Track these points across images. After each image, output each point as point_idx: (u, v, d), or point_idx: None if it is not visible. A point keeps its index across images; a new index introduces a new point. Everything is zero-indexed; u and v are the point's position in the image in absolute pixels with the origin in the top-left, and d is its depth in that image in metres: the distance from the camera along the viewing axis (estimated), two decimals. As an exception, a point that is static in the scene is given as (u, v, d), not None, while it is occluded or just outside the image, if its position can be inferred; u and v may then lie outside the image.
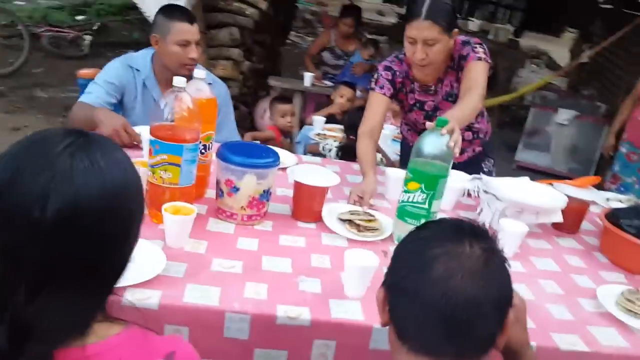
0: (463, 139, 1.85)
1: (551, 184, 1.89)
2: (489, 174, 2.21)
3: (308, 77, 4.55)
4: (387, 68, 2.06)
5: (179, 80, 1.37)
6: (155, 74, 2.22)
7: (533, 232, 1.76)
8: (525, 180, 1.86)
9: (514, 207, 1.71)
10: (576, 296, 1.43)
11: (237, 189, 1.43)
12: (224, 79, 2.72)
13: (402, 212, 1.51)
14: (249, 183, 1.42)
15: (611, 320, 1.33)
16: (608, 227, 1.64)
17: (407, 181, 1.49)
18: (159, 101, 1.51)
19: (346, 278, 1.25)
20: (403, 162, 2.42)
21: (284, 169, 1.92)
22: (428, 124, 1.50)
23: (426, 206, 1.47)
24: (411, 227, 1.36)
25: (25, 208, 0.64)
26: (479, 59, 1.93)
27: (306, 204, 1.57)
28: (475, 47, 1.96)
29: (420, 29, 1.82)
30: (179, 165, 1.34)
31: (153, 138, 1.34)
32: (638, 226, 1.59)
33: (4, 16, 6.95)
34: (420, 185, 1.46)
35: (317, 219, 1.57)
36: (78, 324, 0.70)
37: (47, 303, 0.66)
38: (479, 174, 1.92)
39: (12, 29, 6.66)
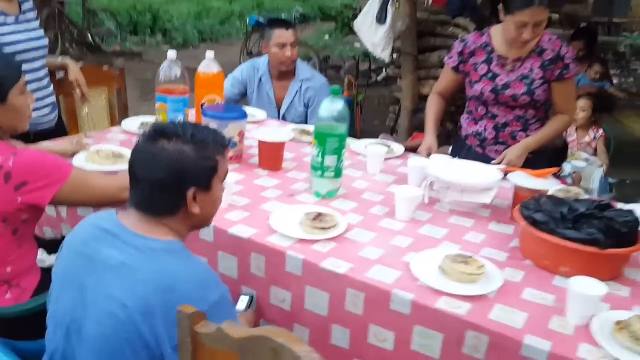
0: (515, 139, 2.23)
1: (510, 172, 1.86)
2: None
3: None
4: (462, 40, 2.31)
5: (171, 54, 2.07)
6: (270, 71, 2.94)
7: (461, 210, 1.81)
8: (474, 163, 1.90)
9: (439, 183, 1.81)
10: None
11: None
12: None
13: (311, 168, 1.85)
14: (211, 130, 2.01)
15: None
16: (515, 215, 1.59)
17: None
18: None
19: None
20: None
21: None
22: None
23: (320, 159, 1.79)
24: (317, 180, 1.76)
25: None
26: (572, 76, 2.16)
27: (265, 156, 2.05)
28: (573, 61, 2.14)
29: (535, 14, 2.00)
30: (166, 112, 2.04)
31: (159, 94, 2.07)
32: (539, 217, 1.50)
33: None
34: (315, 142, 1.80)
35: (276, 169, 2.04)
36: None
37: None
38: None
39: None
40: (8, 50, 2.03)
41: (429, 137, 2.27)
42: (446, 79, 2.37)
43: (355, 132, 4.86)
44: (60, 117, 2.42)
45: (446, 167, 1.86)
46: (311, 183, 1.87)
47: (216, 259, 1.64)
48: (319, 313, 1.49)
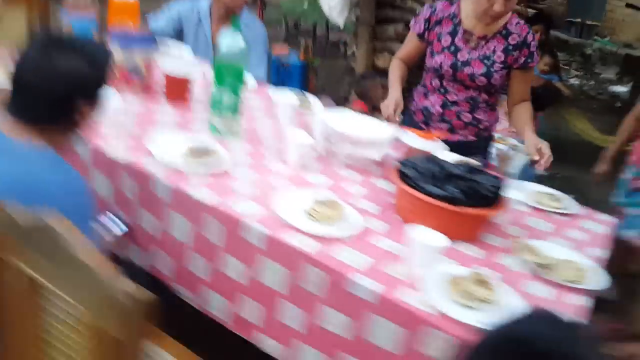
0: (460, 118, 2.18)
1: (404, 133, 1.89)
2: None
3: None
4: (430, 6, 2.22)
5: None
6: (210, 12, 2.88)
7: (355, 165, 1.83)
8: (368, 119, 1.93)
9: (335, 135, 1.83)
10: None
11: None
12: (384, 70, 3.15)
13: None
14: (117, 56, 1.98)
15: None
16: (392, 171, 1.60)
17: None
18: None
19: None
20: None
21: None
22: None
23: (217, 94, 1.79)
24: (214, 116, 1.75)
25: None
26: (535, 65, 2.14)
27: (170, 88, 2.03)
28: (535, 50, 2.10)
29: None
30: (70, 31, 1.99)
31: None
32: (409, 172, 1.53)
33: None
34: (215, 77, 1.79)
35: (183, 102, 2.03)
36: None
37: None
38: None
39: None
40: None
41: (395, 92, 2.14)
42: (409, 45, 2.29)
43: (309, 89, 4.86)
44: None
45: (343, 120, 1.87)
46: (209, 118, 1.86)
47: (92, 178, 1.62)
48: (181, 240, 1.50)
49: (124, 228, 1.57)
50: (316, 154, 1.84)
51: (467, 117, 2.19)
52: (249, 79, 2.38)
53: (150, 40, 2.05)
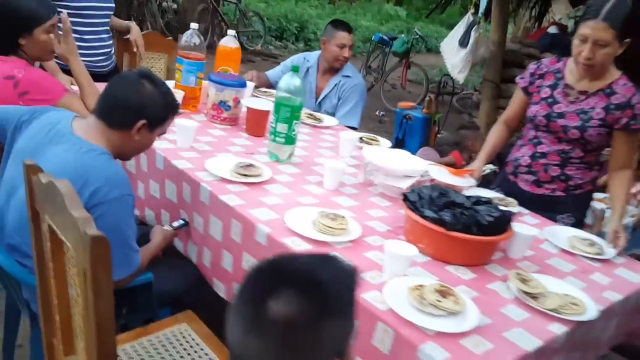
0: (547, 172, 2.20)
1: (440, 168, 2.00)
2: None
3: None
4: (537, 62, 2.27)
5: (193, 25, 2.49)
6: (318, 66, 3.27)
7: (387, 194, 1.99)
8: (402, 152, 2.09)
9: (371, 165, 2.02)
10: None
11: (208, 96, 2.44)
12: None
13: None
14: (210, 91, 2.41)
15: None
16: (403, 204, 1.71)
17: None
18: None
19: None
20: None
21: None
22: None
23: (274, 125, 2.10)
24: (271, 143, 2.08)
25: None
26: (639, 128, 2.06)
27: (249, 121, 2.40)
28: None
29: (595, 30, 1.91)
30: (181, 71, 2.48)
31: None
32: (411, 197, 1.66)
33: None
34: (273, 110, 2.11)
35: (258, 134, 2.38)
36: None
37: None
38: (551, 219, 2.08)
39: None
40: (74, 6, 2.62)
41: (477, 162, 2.23)
42: (514, 103, 2.32)
43: (430, 144, 5.02)
44: (117, 67, 3.00)
45: (381, 153, 2.06)
46: (268, 145, 2.18)
47: (164, 185, 2.02)
48: (216, 238, 1.79)
49: (182, 222, 1.92)
50: (355, 181, 2.05)
51: (555, 170, 2.18)
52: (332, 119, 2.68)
53: (240, 82, 2.45)
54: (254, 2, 12.81)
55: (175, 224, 1.93)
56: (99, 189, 1.51)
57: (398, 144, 5.22)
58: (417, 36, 7.51)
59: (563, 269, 1.71)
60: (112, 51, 2.93)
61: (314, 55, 3.32)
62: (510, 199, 2.11)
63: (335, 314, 0.86)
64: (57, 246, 1.29)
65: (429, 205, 1.61)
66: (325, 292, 0.85)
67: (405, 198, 1.67)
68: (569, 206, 2.21)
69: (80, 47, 2.67)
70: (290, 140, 2.12)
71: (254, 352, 0.83)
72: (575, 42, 1.99)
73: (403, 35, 7.94)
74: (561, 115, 2.11)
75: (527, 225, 1.76)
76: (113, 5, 2.86)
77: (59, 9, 2.58)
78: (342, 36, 3.11)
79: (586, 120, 2.07)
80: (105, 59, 2.86)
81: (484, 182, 3.16)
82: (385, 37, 8.09)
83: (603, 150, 2.20)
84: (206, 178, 1.86)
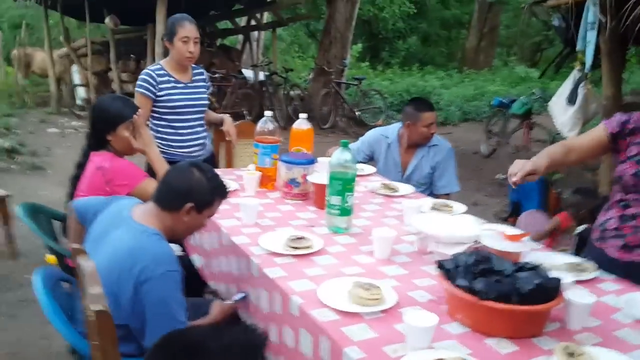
0: (637, 234, 1.99)
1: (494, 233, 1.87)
2: None
3: None
4: (627, 114, 2.09)
5: (267, 113, 2.68)
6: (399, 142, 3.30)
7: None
8: (462, 217, 1.98)
9: (423, 233, 1.97)
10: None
11: (279, 175, 2.58)
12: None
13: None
14: (281, 170, 2.54)
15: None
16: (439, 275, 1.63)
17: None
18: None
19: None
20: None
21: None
22: None
23: (329, 197, 2.15)
24: (326, 215, 2.15)
25: None
26: None
27: (316, 194, 2.47)
28: None
29: None
30: (257, 154, 2.66)
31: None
32: (447, 264, 1.58)
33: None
34: (328, 183, 2.16)
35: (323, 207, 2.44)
36: None
37: None
38: None
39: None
40: (171, 105, 2.97)
41: (537, 158, 1.98)
42: (588, 137, 2.12)
43: (549, 207, 4.68)
44: (213, 155, 3.29)
45: (435, 219, 2.00)
46: (325, 218, 2.22)
47: (229, 260, 2.14)
48: (262, 309, 1.85)
49: (243, 295, 2.01)
50: (411, 250, 2.01)
51: None
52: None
53: (310, 160, 2.56)
54: (377, 81, 13.30)
55: (236, 297, 2.03)
56: (147, 266, 1.67)
57: (514, 207, 4.95)
58: (537, 97, 7.19)
59: (633, 342, 1.48)
60: (207, 142, 3.24)
61: (392, 131, 3.35)
62: (589, 264, 1.90)
63: None
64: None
65: (465, 273, 1.53)
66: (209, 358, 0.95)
67: (440, 265, 1.59)
68: None
69: (175, 140, 3.02)
70: (345, 212, 2.15)
71: None
72: None
73: (522, 97, 7.65)
74: None
75: (585, 292, 1.57)
76: (207, 102, 3.19)
77: (154, 108, 2.96)
78: (428, 117, 3.16)
79: None
80: (199, 149, 3.16)
81: (580, 242, 2.87)
82: (504, 101, 7.87)
83: None
84: (257, 252, 1.95)
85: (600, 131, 2.08)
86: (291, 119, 8.77)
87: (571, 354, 1.34)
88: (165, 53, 3.28)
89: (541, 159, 1.98)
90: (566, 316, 1.54)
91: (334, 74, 9.89)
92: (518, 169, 1.93)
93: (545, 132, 7.08)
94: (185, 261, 2.52)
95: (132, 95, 3.04)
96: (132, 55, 9.45)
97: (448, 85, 13.80)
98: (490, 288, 1.44)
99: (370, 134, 3.45)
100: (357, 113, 10.03)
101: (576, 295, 1.53)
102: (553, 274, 1.54)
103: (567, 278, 1.65)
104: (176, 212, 1.81)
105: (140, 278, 1.66)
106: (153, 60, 7.79)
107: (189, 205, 1.80)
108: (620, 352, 1.41)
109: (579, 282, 1.78)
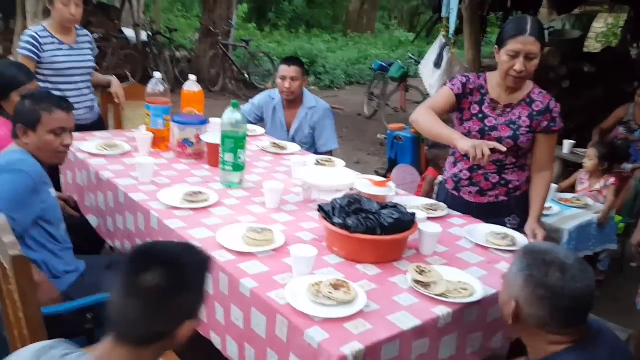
0: (487, 180, 2.35)
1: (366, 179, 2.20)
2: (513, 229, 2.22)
3: (568, 145, 4.51)
4: (464, 75, 2.40)
5: (157, 75, 2.80)
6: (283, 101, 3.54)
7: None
8: (338, 169, 2.30)
9: (307, 184, 2.25)
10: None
11: (173, 135, 2.73)
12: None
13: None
14: (175, 131, 2.69)
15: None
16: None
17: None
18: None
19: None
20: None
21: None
22: None
23: (222, 155, 2.35)
24: (221, 171, 2.33)
25: None
26: (558, 130, 2.27)
27: (209, 153, 2.66)
28: (558, 116, 2.25)
29: (526, 44, 2.11)
30: (149, 116, 2.77)
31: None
32: (326, 207, 1.86)
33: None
34: (220, 142, 2.36)
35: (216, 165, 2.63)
36: None
37: None
38: (499, 224, 2.21)
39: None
40: (56, 67, 2.97)
41: (466, 139, 2.13)
42: (444, 100, 2.35)
43: (421, 165, 5.19)
44: (101, 118, 3.33)
45: (318, 172, 2.29)
46: (219, 174, 2.43)
47: (125, 217, 2.28)
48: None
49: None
50: (298, 200, 2.28)
51: (494, 178, 2.34)
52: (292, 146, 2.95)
53: (202, 120, 2.73)
54: (265, 43, 13.35)
55: None
56: None
57: (391, 164, 5.41)
58: (412, 60, 7.73)
59: (470, 261, 1.88)
60: (95, 104, 3.27)
61: (278, 92, 3.58)
62: (441, 204, 2.30)
63: (190, 288, 1.18)
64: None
65: (340, 213, 1.82)
66: (183, 271, 1.15)
67: (320, 208, 1.88)
68: (512, 209, 2.37)
69: (63, 103, 3.01)
70: (237, 167, 2.36)
71: (129, 313, 1.11)
72: (504, 58, 2.17)
73: (399, 61, 8.19)
74: (494, 128, 2.29)
75: (434, 224, 1.94)
76: (93, 64, 3.21)
77: (38, 70, 2.95)
78: (282, 69, 3.40)
79: (516, 130, 2.26)
80: (87, 111, 3.19)
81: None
82: (384, 64, 8.36)
83: (529, 153, 2.36)
84: (157, 207, 2.12)
85: (448, 91, 2.35)
86: (178, 81, 8.66)
87: (421, 272, 1.69)
88: (42, 12, 3.22)
89: (467, 139, 2.14)
90: (420, 244, 1.90)
91: (221, 35, 9.83)
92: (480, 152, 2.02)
93: (419, 93, 7.67)
94: (80, 222, 2.61)
95: (0, 57, 2.99)
96: (-1, 14, 8.73)
97: (333, 48, 14.19)
98: (360, 223, 1.75)
99: (259, 97, 3.65)
100: (246, 75, 10.10)
101: (427, 227, 1.89)
102: (410, 211, 1.88)
103: (421, 214, 2.01)
104: (18, 139, 2.02)
105: None
106: (24, 19, 7.28)
107: (20, 128, 2.01)
108: (460, 269, 1.79)
109: (433, 218, 2.17)
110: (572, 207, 3.29)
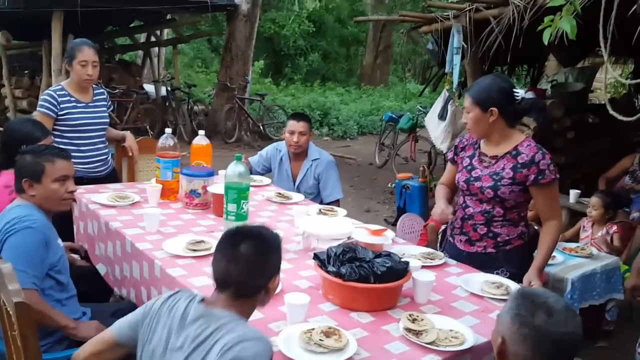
0: (475, 230, 2.43)
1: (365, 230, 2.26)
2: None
3: (574, 195, 4.53)
4: (461, 137, 2.61)
5: (168, 130, 2.93)
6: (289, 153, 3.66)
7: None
8: (339, 219, 2.35)
9: (307, 232, 2.32)
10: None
11: (181, 187, 2.83)
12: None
13: (225, 212, 2.50)
14: (183, 182, 2.79)
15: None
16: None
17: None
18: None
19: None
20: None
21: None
22: None
23: (225, 205, 2.44)
24: (224, 221, 2.42)
25: None
26: (555, 179, 2.29)
27: (215, 204, 2.75)
28: (550, 164, 2.27)
29: (465, 100, 2.38)
30: (159, 169, 2.89)
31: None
32: (321, 255, 1.91)
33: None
34: (224, 193, 2.45)
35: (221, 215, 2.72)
36: None
37: None
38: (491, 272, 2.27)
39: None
40: (72, 124, 3.14)
41: (440, 202, 2.49)
42: (447, 171, 2.67)
43: (429, 213, 5.23)
44: (114, 170, 3.47)
45: (318, 221, 2.36)
46: (223, 224, 2.51)
47: (131, 266, 2.36)
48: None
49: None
50: (299, 248, 2.34)
51: (482, 229, 2.39)
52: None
53: (209, 172, 2.84)
54: (280, 97, 13.70)
55: None
56: (11, 222, 2.04)
57: (400, 212, 5.45)
58: (421, 112, 7.88)
59: (464, 310, 1.91)
60: (109, 158, 3.41)
61: (284, 144, 3.69)
62: (439, 253, 2.34)
63: (273, 252, 1.58)
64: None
65: (334, 261, 1.88)
66: (268, 241, 1.58)
67: (316, 256, 1.94)
68: (500, 262, 2.38)
69: (77, 157, 3.17)
70: (240, 217, 2.44)
71: (233, 274, 1.50)
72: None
73: (408, 113, 8.36)
74: (477, 178, 2.37)
75: (428, 272, 1.98)
76: (108, 121, 3.38)
77: (55, 126, 3.11)
78: (290, 124, 3.55)
79: (498, 180, 2.31)
80: (101, 164, 3.33)
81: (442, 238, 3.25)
82: (394, 116, 8.53)
83: (522, 208, 2.39)
84: (160, 255, 2.19)
85: (449, 163, 2.64)
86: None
87: (414, 320, 1.73)
88: (65, 71, 3.43)
89: (442, 202, 2.51)
90: (414, 292, 1.94)
91: (237, 89, 10.15)
92: (437, 212, 2.46)
93: (429, 143, 7.78)
94: (90, 270, 2.70)
95: (25, 111, 3.17)
96: (26, 72, 9.15)
97: (347, 100, 14.48)
98: (353, 271, 1.80)
99: (267, 149, 3.77)
100: (261, 127, 10.35)
101: (421, 275, 1.93)
102: (405, 259, 1.93)
103: (415, 263, 2.06)
104: (24, 193, 2.11)
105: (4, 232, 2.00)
106: (49, 76, 7.65)
107: (25, 182, 2.10)
108: (453, 318, 1.82)
109: (430, 267, 2.20)
110: (577, 257, 3.29)
